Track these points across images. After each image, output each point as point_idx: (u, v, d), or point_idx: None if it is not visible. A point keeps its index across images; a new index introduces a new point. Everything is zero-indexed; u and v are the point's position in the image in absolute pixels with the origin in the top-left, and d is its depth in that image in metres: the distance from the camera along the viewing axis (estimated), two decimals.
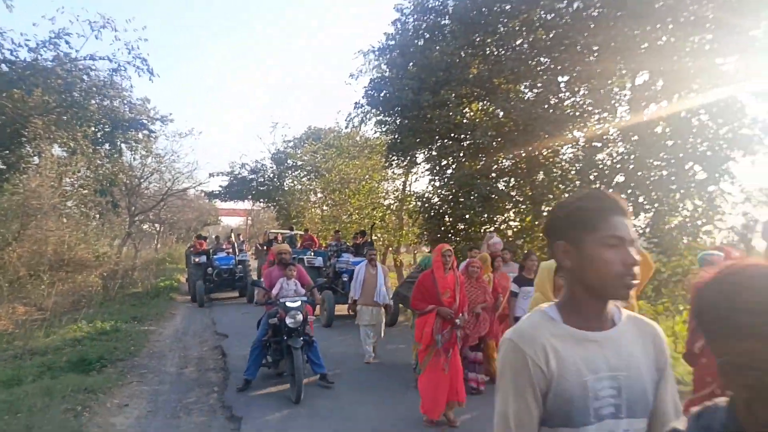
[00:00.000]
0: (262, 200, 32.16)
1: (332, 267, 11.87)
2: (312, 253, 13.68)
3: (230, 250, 15.39)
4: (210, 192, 32.70)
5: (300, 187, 28.72)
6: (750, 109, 9.20)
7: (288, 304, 5.91)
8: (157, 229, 39.49)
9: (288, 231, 20.30)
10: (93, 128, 15.04)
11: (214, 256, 14.82)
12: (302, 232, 19.23)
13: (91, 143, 14.98)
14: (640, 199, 9.86)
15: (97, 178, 15.90)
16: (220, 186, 31.79)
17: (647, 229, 9.78)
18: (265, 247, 20.06)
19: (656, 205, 9.81)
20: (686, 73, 9.23)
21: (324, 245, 16.26)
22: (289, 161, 30.11)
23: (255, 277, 17.79)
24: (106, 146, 17.61)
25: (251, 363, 6.22)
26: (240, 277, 14.70)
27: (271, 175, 30.88)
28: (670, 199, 9.68)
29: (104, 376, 6.42)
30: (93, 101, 16.17)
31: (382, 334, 7.93)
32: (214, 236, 19.43)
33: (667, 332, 10.30)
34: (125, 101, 19.53)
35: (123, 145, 19.50)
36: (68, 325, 9.62)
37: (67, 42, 14.47)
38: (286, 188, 29.53)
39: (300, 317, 5.85)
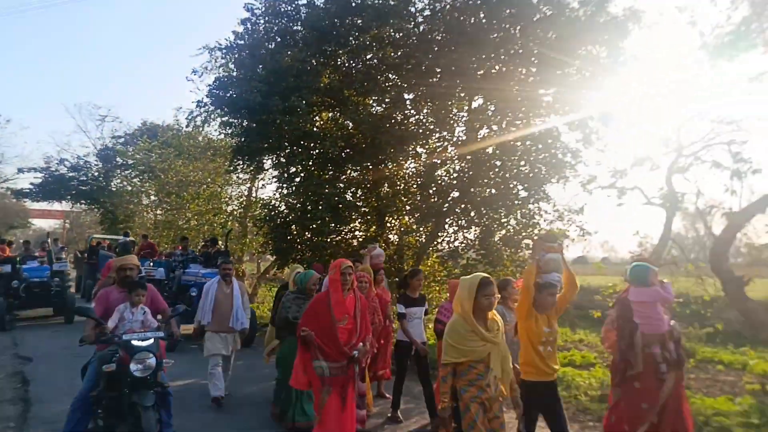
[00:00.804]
0: (83, 201, 28.84)
1: (177, 280, 10.59)
2: (151, 263, 12.02)
3: (44, 259, 13.25)
4: (19, 190, 28.50)
5: (130, 188, 26.21)
6: (564, 137, 10.52)
7: (134, 342, 4.20)
8: None
9: (121, 237, 17.94)
10: None
11: (23, 266, 12.59)
12: (137, 239, 17.10)
13: None
14: (472, 214, 10.68)
15: None
16: (32, 184, 27.93)
17: (477, 242, 10.61)
18: (86, 255, 18.15)
19: (485, 219, 10.72)
20: (514, 100, 10.23)
21: (163, 254, 14.73)
22: (118, 159, 27.43)
23: (73, 291, 15.57)
24: None
25: (71, 428, 4.42)
26: (57, 292, 12.49)
27: (96, 174, 27.91)
28: (496, 215, 10.65)
29: None
30: None
31: (231, 365, 6.78)
32: (22, 241, 16.59)
33: None
34: None
35: None
36: None
37: None
38: (114, 189, 26.86)
39: (152, 362, 4.19)
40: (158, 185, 21.07)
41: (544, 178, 10.35)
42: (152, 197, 25.04)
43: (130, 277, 4.88)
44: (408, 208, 11.42)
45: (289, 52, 10.91)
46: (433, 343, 7.12)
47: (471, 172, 10.72)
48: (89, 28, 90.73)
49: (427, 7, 10.88)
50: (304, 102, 10.39)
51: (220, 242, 12.49)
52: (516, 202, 10.54)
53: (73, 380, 6.85)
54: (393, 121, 10.70)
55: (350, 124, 11.31)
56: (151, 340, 4.28)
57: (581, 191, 11.19)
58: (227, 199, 19.00)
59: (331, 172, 11.60)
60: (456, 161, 11.26)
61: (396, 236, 11.86)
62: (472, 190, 10.66)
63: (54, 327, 11.74)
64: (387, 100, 10.97)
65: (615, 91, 10.08)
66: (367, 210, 11.71)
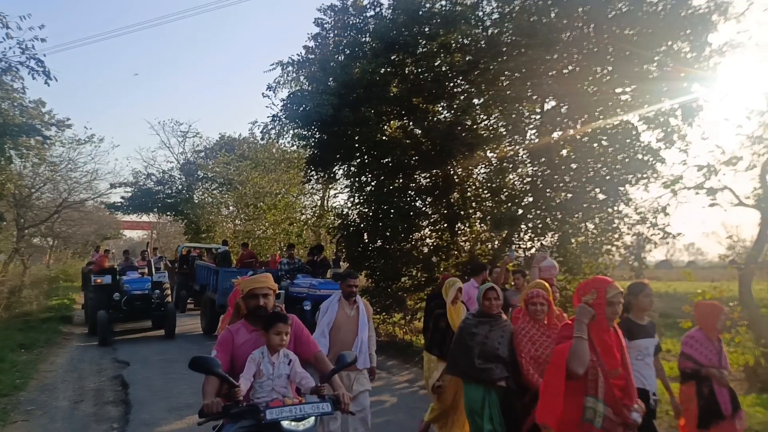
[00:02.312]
0: (169, 213, 30.56)
1: (284, 292, 9.57)
2: (252, 273, 11.23)
3: (144, 270, 12.49)
4: (111, 203, 30.62)
5: (211, 200, 27.59)
6: (643, 136, 10.01)
7: (287, 426, 2.54)
8: (50, 243, 36.32)
9: (215, 245, 16.95)
10: None
11: (123, 277, 11.92)
12: (238, 248, 15.44)
13: None
14: (547, 220, 10.37)
15: None
16: (122, 198, 29.89)
17: (554, 249, 10.29)
18: (176, 265, 17.83)
19: (561, 225, 10.37)
20: (589, 100, 9.88)
21: (258, 262, 13.63)
22: (199, 172, 28.89)
23: (172, 301, 14.07)
24: None
25: None
26: (157, 305, 11.73)
27: (180, 187, 29.46)
28: (573, 220, 10.27)
29: None
30: None
31: (369, 419, 4.57)
32: (123, 251, 15.52)
33: None
34: (15, 104, 17.80)
35: (12, 152, 17.69)
36: None
37: None
38: (196, 201, 28.26)
39: None
40: (236, 196, 22.07)
41: (623, 180, 9.90)
42: (231, 208, 26.23)
43: (265, 307, 2.99)
44: (479, 214, 11.28)
45: (358, 64, 11.12)
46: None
47: (545, 176, 10.43)
48: (171, 50, 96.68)
49: (496, 10, 10.75)
50: (373, 112, 10.56)
51: (324, 251, 11.49)
52: (593, 205, 10.13)
53: (167, 384, 7.34)
54: (462, 126, 10.63)
55: (419, 131, 11.36)
56: (312, 421, 2.62)
57: (664, 193, 10.59)
58: (301, 208, 19.58)
59: (401, 180, 11.69)
60: (528, 165, 11.00)
61: (468, 244, 11.74)
62: (546, 194, 10.37)
63: (160, 346, 11.10)
64: (455, 106, 10.92)
65: (699, 88, 9.48)
66: (437, 217, 11.69)
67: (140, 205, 29.66)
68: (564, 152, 10.47)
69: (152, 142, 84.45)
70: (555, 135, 10.63)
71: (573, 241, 10.14)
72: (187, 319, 14.24)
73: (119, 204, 30.19)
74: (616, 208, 9.99)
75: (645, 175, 9.91)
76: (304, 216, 19.42)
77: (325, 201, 19.29)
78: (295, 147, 17.40)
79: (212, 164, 27.48)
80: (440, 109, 11.51)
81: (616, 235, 10.00)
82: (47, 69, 13.67)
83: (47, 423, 5.71)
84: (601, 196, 10.14)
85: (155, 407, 6.23)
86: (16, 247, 22.59)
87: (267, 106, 38.23)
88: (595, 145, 10.13)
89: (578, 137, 10.10)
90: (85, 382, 7.58)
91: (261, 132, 13.69)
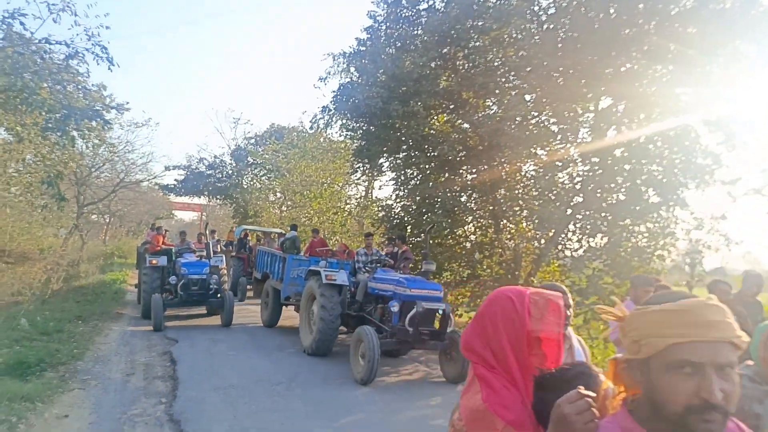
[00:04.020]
0: (218, 197, 31.49)
1: (362, 287, 8.34)
2: (326, 263, 9.61)
3: (202, 253, 11.52)
4: (165, 185, 31.80)
5: (259, 185, 28.26)
6: (703, 139, 9.59)
7: None
8: (107, 220, 38.08)
9: (288, 230, 13.91)
10: (44, 114, 14.27)
11: (180, 260, 11.20)
12: (294, 233, 13.03)
13: (40, 130, 14.22)
14: (598, 221, 10.11)
15: (44, 167, 15.11)
16: (176, 180, 31.03)
17: (603, 251, 10.02)
18: (231, 248, 17.12)
19: (612, 227, 10.09)
20: (647, 100, 9.54)
21: (331, 251, 11.60)
22: (249, 159, 29.60)
23: (228, 288, 12.83)
24: (57, 134, 16.78)
25: None
26: (214, 291, 10.85)
27: (230, 172, 30.30)
28: (624, 222, 9.97)
29: (44, 382, 6.05)
30: (45, 85, 15.39)
31: None
32: (179, 232, 14.46)
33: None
34: (80, 87, 18.70)
35: (75, 133, 18.63)
36: (7, 322, 9.06)
37: (21, 23, 13.73)
38: (245, 186, 29.01)
39: None
40: (284, 184, 22.49)
41: (680, 183, 9.53)
42: (278, 194, 26.78)
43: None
44: (526, 212, 11.10)
45: (409, 57, 11.11)
46: None
47: (596, 176, 10.16)
48: (227, 41, 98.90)
49: (552, 5, 10.50)
50: (422, 106, 10.53)
51: (404, 239, 9.91)
52: (647, 208, 9.80)
53: (213, 364, 7.62)
54: (512, 122, 10.46)
55: (467, 126, 11.25)
56: None
57: (723, 197, 10.13)
58: (346, 198, 19.77)
59: (446, 175, 11.64)
60: (579, 164, 10.74)
61: (513, 241, 11.60)
62: (597, 194, 10.11)
63: (199, 318, 11.46)
64: (506, 101, 10.76)
65: (765, 92, 9.00)
66: (482, 214, 11.59)
67: (192, 187, 30.72)
68: (618, 152, 10.16)
69: (206, 127, 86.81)
70: (609, 135, 10.34)
71: (624, 244, 9.85)
72: (242, 307, 13.10)
73: (172, 186, 31.36)
74: (671, 212, 9.64)
75: (704, 181, 9.54)
76: (348, 206, 19.62)
77: (370, 192, 19.43)
78: (342, 138, 17.58)
79: (262, 151, 28.09)
80: (490, 104, 11.37)
81: (671, 240, 9.66)
82: (110, 55, 14.26)
83: (101, 394, 6.03)
84: (655, 199, 9.81)
85: (201, 385, 6.48)
86: (75, 223, 23.76)
87: (317, 97, 38.69)
88: (651, 146, 9.79)
89: (633, 138, 9.77)
90: (136, 357, 7.94)
91: (310, 122, 13.86)
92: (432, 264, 8.05)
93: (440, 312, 7.28)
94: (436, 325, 7.40)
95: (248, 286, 15.03)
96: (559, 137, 10.78)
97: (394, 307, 7.27)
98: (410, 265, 9.29)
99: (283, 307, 10.86)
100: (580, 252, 10.31)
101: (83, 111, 17.07)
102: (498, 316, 1.46)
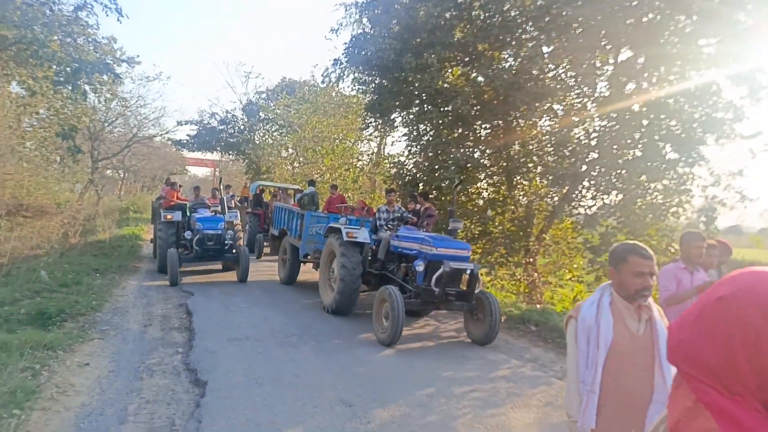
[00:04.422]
0: (231, 152, 31.51)
1: (384, 246, 8.19)
2: (346, 220, 9.11)
3: (217, 208, 11.51)
4: (178, 141, 31.85)
5: (271, 141, 28.19)
6: (726, 93, 9.29)
7: None
8: (121, 176, 38.40)
9: (306, 186, 13.37)
10: (55, 67, 14.19)
11: (195, 215, 11.13)
12: (313, 188, 12.48)
13: (52, 84, 14.17)
14: (612, 178, 9.96)
15: (58, 121, 15.14)
16: (188, 135, 31.05)
17: (617, 209, 9.91)
18: (246, 203, 16.95)
19: (627, 184, 9.93)
20: (668, 52, 9.21)
21: (350, 208, 10.78)
22: (261, 114, 29.41)
23: (244, 243, 12.82)
24: (69, 88, 16.72)
25: None
26: (230, 246, 10.82)
27: (242, 127, 30.19)
28: (640, 179, 9.81)
29: (64, 332, 6.24)
30: (55, 37, 15.24)
31: None
32: (193, 187, 14.03)
33: None
34: (90, 39, 18.51)
35: (87, 87, 18.56)
36: (27, 274, 9.29)
37: None
38: (257, 141, 28.94)
39: None
40: (295, 139, 22.36)
41: (699, 139, 9.29)
42: (290, 150, 26.70)
43: None
44: (540, 169, 10.96)
45: (423, 7, 10.76)
46: None
47: (613, 132, 9.94)
48: None
49: None
50: (436, 58, 10.26)
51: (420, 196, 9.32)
52: (664, 165, 9.60)
53: (227, 316, 7.79)
54: (528, 76, 10.20)
55: (482, 80, 10.99)
56: None
57: (742, 153, 9.89)
58: (358, 154, 19.65)
59: (460, 130, 11.46)
60: (596, 119, 10.50)
61: (525, 198, 11.50)
62: (613, 150, 9.91)
63: (214, 273, 11.64)
64: (523, 53, 10.45)
65: None
66: (495, 170, 11.46)
67: (204, 143, 30.72)
68: (636, 107, 9.90)
69: (217, 82, 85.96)
70: (628, 88, 10.05)
71: (639, 201, 9.72)
72: (259, 264, 13.18)
73: (185, 141, 31.39)
74: (688, 168, 9.44)
75: (724, 134, 9.29)
76: (360, 162, 19.52)
77: (382, 149, 19.27)
78: (354, 92, 17.31)
79: (273, 106, 27.86)
80: (506, 56, 11.06)
81: (686, 197, 9.50)
82: (119, 6, 14.02)
83: (120, 344, 6.21)
84: (672, 155, 9.61)
85: (216, 336, 6.64)
86: (91, 177, 23.99)
87: (329, 50, 38.00)
88: (671, 101, 9.51)
89: (653, 91, 9.48)
90: (153, 309, 8.14)
91: (322, 75, 13.61)
92: (459, 222, 7.74)
93: (467, 272, 7.00)
94: (463, 286, 7.13)
95: (265, 243, 14.93)
96: (576, 91, 10.51)
97: (420, 266, 7.06)
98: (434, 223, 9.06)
99: (302, 265, 10.74)
100: (594, 209, 10.20)
101: (94, 64, 16.93)
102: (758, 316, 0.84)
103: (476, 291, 7.11)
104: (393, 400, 4.83)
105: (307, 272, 11.44)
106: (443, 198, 11.19)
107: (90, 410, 4.27)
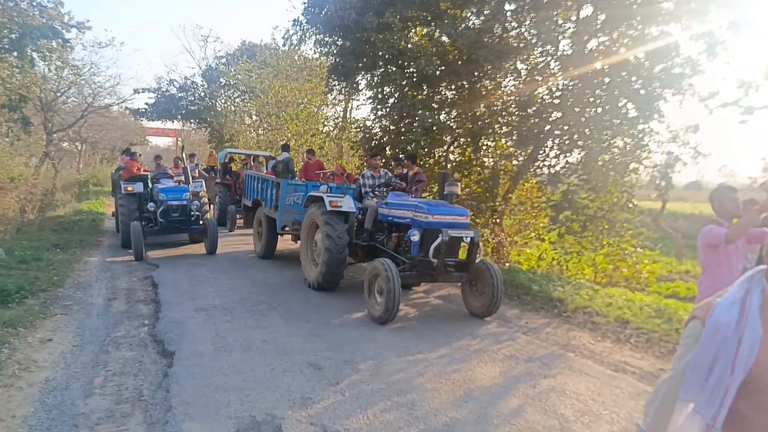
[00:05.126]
0: (192, 120, 30.65)
1: (371, 214, 7.66)
2: (327, 188, 8.02)
3: (180, 178, 11.17)
4: (136, 110, 30.79)
5: (234, 108, 27.48)
6: (684, 48, 9.42)
7: None
8: (79, 148, 37.04)
9: (280, 152, 12.31)
10: None
11: (157, 185, 10.78)
12: (287, 154, 11.55)
13: None
14: (575, 136, 10.09)
15: (5, 91, 14.38)
16: (146, 104, 30.02)
17: (579, 166, 10.07)
18: (214, 173, 16.30)
19: (589, 142, 10.08)
20: (628, 8, 9.24)
21: (330, 173, 10.32)
22: (221, 79, 28.56)
23: (213, 216, 12.63)
24: (14, 55, 15.83)
25: None
26: (197, 217, 10.50)
27: (203, 94, 29.31)
28: (602, 137, 9.96)
29: (25, 309, 6.07)
30: None
31: None
32: (154, 156, 13.54)
33: (589, 263, 10.97)
34: (34, 3, 17.45)
35: (34, 54, 17.59)
36: None
37: None
38: (219, 109, 28.17)
39: None
40: (258, 105, 21.84)
41: (658, 95, 9.45)
42: (254, 117, 26.12)
43: None
44: (505, 129, 11.00)
45: None
46: None
47: (576, 90, 10.01)
48: None
49: None
50: (398, 17, 10.06)
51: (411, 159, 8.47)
52: (624, 122, 9.76)
53: (194, 286, 7.70)
54: (492, 34, 10.11)
55: (446, 39, 10.86)
56: None
57: (699, 110, 10.11)
58: (324, 120, 19.34)
59: (425, 92, 11.36)
60: (560, 78, 10.54)
61: (491, 160, 11.57)
62: (576, 109, 10.00)
63: (181, 246, 11.26)
64: (486, 11, 10.33)
65: None
66: (461, 132, 11.45)
67: (164, 111, 29.75)
68: (598, 65, 9.96)
69: (173, 47, 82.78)
70: (589, 46, 10.09)
71: (600, 159, 9.90)
72: (230, 238, 12.71)
73: (143, 110, 30.34)
74: (647, 125, 9.61)
75: (681, 90, 9.46)
76: (326, 128, 19.24)
77: (348, 113, 19.00)
78: (317, 55, 16.91)
79: (234, 71, 27.04)
80: (469, 15, 10.91)
81: (645, 154, 9.72)
82: None
83: (84, 318, 6.09)
84: (633, 113, 9.76)
85: (183, 307, 6.58)
86: (45, 150, 23.06)
87: (288, 10, 36.91)
88: (631, 57, 9.59)
89: (614, 48, 9.54)
90: (118, 282, 7.98)
91: (283, 38, 13.21)
92: (456, 185, 7.08)
93: (466, 240, 6.48)
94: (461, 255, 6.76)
95: (237, 216, 14.26)
96: (539, 49, 10.49)
97: (414, 235, 6.48)
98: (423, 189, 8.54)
99: (278, 237, 10.20)
100: (558, 168, 10.35)
101: (40, 29, 16.02)
102: None
103: (477, 260, 6.62)
104: (362, 362, 4.90)
105: (283, 242, 11.18)
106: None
107: (54, 385, 4.20)
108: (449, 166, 11.81)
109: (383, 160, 10.42)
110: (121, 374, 4.47)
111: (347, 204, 7.45)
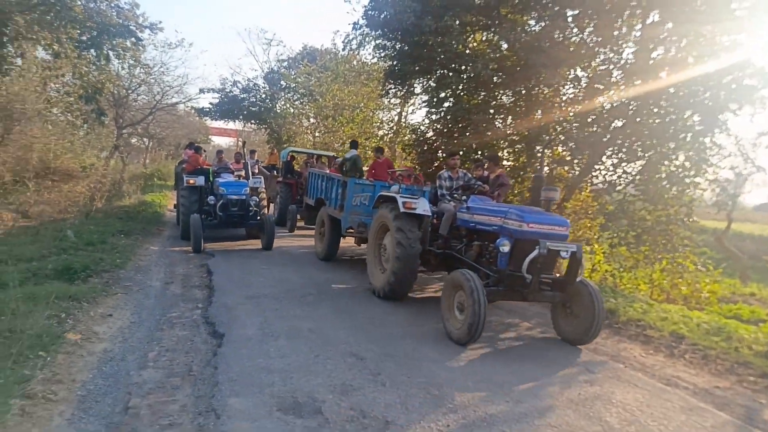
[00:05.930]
0: (253, 121, 31.60)
1: (448, 219, 6.99)
2: (399, 188, 7.71)
3: (241, 173, 11.27)
4: (200, 109, 32.03)
5: (293, 110, 28.17)
6: (756, 59, 8.97)
7: None
8: (146, 144, 38.94)
9: (348, 150, 11.35)
10: (78, 30, 14.32)
11: (218, 179, 10.92)
12: (355, 152, 10.73)
13: (76, 47, 14.33)
14: (635, 146, 9.77)
15: (83, 85, 15.35)
16: (211, 103, 31.14)
17: (638, 177, 9.74)
18: (276, 172, 15.97)
19: (650, 153, 9.74)
20: (698, 15, 8.88)
21: (399, 174, 9.99)
22: (282, 82, 29.35)
23: (270, 212, 12.42)
24: (92, 52, 16.89)
25: None
26: (255, 212, 10.56)
27: (264, 96, 30.17)
28: (663, 148, 9.60)
29: (89, 286, 6.45)
30: (78, 2, 15.35)
31: None
32: (215, 151, 13.72)
33: (645, 279, 10.55)
34: (113, 4, 18.61)
35: (110, 52, 18.72)
36: (54, 234, 9.58)
37: None
38: (279, 110, 28.94)
39: None
40: (317, 108, 22.30)
41: (726, 107, 9.01)
42: (311, 119, 26.67)
43: None
44: (562, 137, 10.78)
45: None
46: None
47: (638, 99, 9.69)
48: None
49: None
50: (457, 21, 10.09)
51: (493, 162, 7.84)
52: (689, 134, 9.35)
53: (246, 276, 7.96)
54: (551, 40, 9.95)
55: (504, 44, 10.79)
56: None
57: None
58: (379, 123, 19.53)
59: (481, 97, 11.31)
60: (622, 86, 10.23)
61: (546, 167, 11.34)
62: (638, 119, 9.69)
63: (238, 240, 11.19)
64: (546, 16, 10.19)
65: None
66: (516, 138, 11.31)
67: (226, 111, 30.81)
68: (663, 74, 9.62)
69: (238, 50, 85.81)
70: (655, 55, 9.76)
71: (661, 169, 9.52)
72: (289, 239, 12.31)
73: (207, 109, 31.53)
74: (711, 138, 9.18)
75: (752, 103, 8.99)
76: (381, 131, 19.43)
77: (403, 117, 19.13)
78: (375, 59, 17.13)
79: (294, 74, 27.75)
80: (529, 20, 10.79)
81: (709, 168, 9.28)
82: None
83: (142, 298, 6.42)
84: (698, 127, 9.34)
85: (235, 294, 6.82)
86: (116, 143, 24.36)
87: (348, 12, 37.65)
88: (699, 67, 9.20)
89: (679, 56, 9.19)
90: (175, 268, 8.35)
91: (343, 42, 13.46)
92: (555, 190, 6.00)
93: (564, 254, 5.62)
94: (556, 272, 6.10)
95: (298, 216, 13.57)
96: (601, 57, 10.24)
97: (504, 246, 5.66)
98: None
99: (341, 238, 9.72)
100: (614, 178, 10.03)
101: (117, 29, 17.03)
102: None
103: (578, 279, 5.80)
104: (404, 356, 4.93)
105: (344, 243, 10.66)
106: (461, 167, 11.10)
107: (112, 356, 4.46)
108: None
109: (435, 164, 10.42)
110: (173, 350, 4.68)
111: (422, 206, 6.80)
